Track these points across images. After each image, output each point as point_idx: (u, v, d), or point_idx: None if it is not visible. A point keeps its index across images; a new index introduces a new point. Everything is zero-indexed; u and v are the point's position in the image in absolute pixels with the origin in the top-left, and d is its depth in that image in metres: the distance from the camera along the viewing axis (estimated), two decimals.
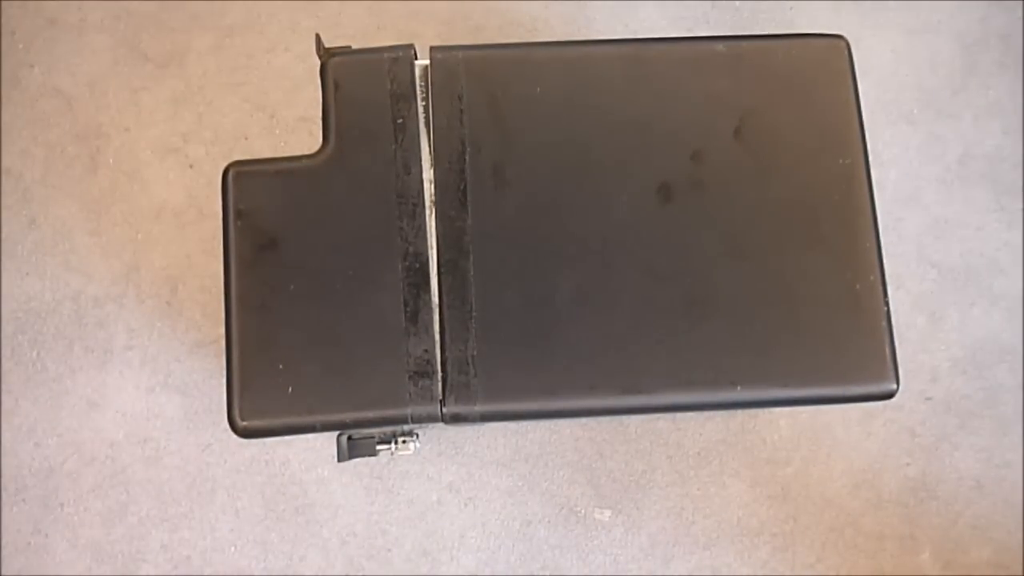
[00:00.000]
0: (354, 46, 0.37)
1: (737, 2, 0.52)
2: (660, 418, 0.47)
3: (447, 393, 0.33)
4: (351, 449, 0.38)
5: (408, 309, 0.33)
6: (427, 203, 0.34)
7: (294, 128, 0.49)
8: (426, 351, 0.33)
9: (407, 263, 0.34)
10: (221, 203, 0.34)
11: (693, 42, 0.38)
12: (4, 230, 0.48)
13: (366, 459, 0.44)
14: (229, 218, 0.34)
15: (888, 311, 0.34)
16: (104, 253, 0.48)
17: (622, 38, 0.38)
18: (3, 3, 0.51)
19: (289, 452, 0.46)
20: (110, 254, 0.48)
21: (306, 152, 0.35)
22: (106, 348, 0.47)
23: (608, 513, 0.46)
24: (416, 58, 0.36)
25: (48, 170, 0.49)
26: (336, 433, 0.39)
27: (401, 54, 0.35)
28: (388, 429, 0.38)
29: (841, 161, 0.35)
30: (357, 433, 0.38)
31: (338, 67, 0.35)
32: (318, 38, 0.36)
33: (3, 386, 0.47)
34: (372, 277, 0.34)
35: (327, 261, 0.34)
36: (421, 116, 0.35)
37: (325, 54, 0.36)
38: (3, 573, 0.45)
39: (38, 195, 0.49)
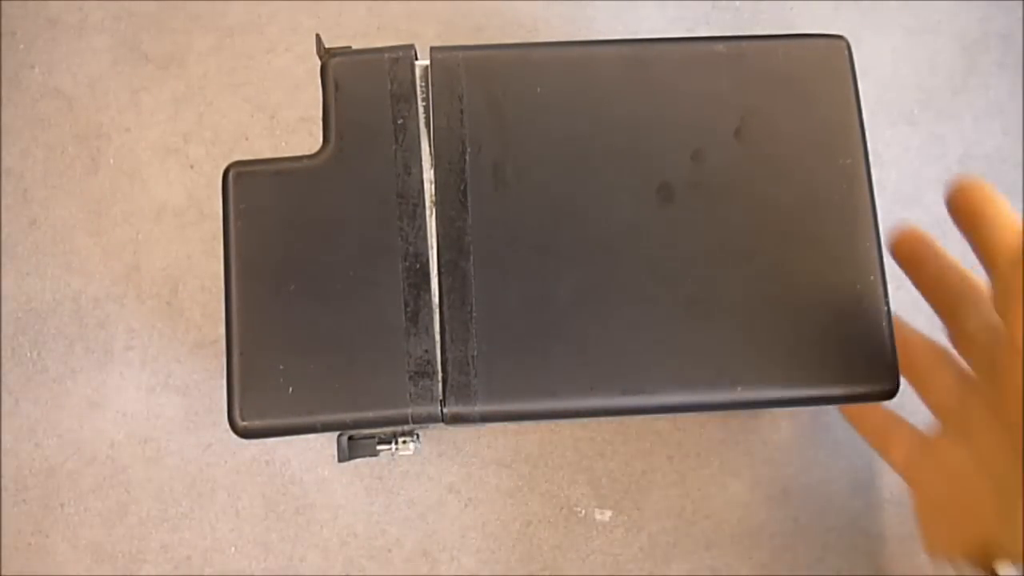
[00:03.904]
0: (354, 46, 0.36)
1: (737, 2, 0.52)
2: (660, 418, 0.47)
3: (447, 393, 0.33)
4: (351, 449, 0.38)
5: (408, 309, 0.33)
6: (427, 203, 0.34)
7: (294, 128, 0.49)
8: (426, 351, 0.33)
9: (407, 263, 0.34)
10: (221, 203, 0.34)
11: (693, 42, 0.38)
12: (4, 230, 0.48)
13: (367, 459, 0.44)
14: (229, 218, 0.34)
15: (889, 311, 0.34)
16: (104, 253, 0.48)
17: (622, 38, 0.38)
18: (3, 3, 0.51)
19: (290, 452, 0.46)
20: (110, 254, 0.48)
21: (306, 152, 0.35)
22: (106, 348, 0.47)
23: (608, 513, 0.46)
24: (416, 58, 0.36)
25: (48, 170, 0.49)
26: (336, 433, 0.39)
27: (401, 54, 0.35)
28: (389, 429, 0.37)
29: (841, 161, 0.35)
30: (358, 433, 0.38)
31: (338, 67, 0.35)
32: (318, 38, 0.35)
33: (3, 386, 0.47)
34: (372, 277, 0.33)
35: (327, 261, 0.34)
36: (421, 116, 0.35)
37: (325, 54, 0.35)
38: (3, 573, 0.45)
39: (38, 195, 0.49)
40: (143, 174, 0.49)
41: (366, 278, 0.33)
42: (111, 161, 0.49)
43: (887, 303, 0.34)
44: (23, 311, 0.47)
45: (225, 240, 0.34)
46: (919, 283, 0.37)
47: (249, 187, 0.34)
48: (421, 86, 0.35)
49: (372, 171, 0.34)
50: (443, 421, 0.32)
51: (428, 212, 0.34)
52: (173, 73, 0.50)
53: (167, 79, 0.50)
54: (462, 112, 0.35)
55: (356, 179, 0.34)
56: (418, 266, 0.33)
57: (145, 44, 0.50)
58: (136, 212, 0.48)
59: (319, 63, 0.36)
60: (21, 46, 0.50)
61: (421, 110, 0.35)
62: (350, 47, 0.36)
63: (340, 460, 0.37)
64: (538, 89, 0.35)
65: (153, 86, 0.50)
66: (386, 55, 0.35)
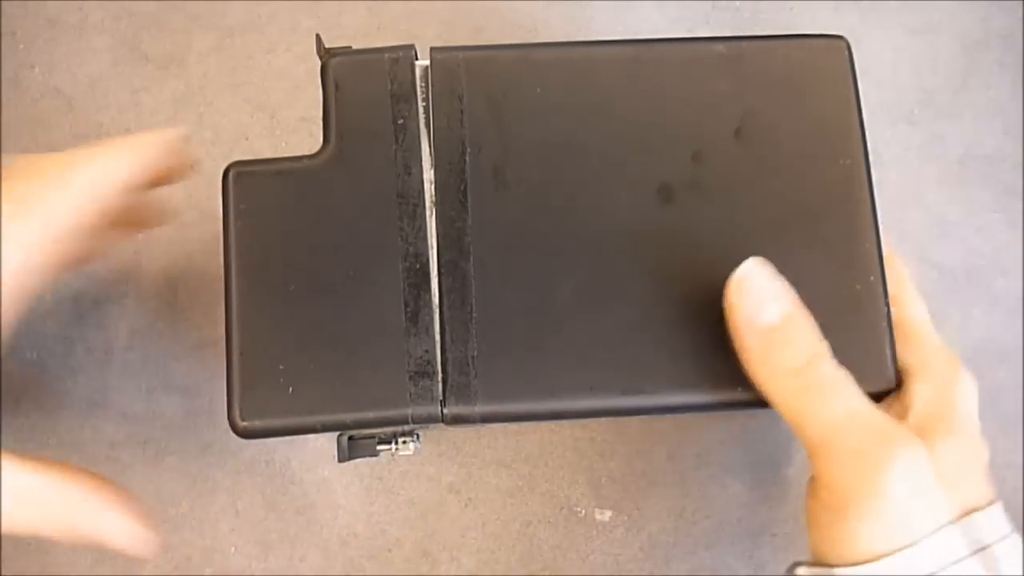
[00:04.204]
0: (354, 46, 0.36)
1: (737, 2, 0.52)
2: (660, 418, 0.47)
3: (447, 394, 0.33)
4: (352, 449, 0.37)
5: (409, 310, 0.33)
6: (427, 204, 0.34)
7: (294, 128, 0.49)
8: (427, 352, 0.33)
9: (407, 263, 0.34)
10: (222, 203, 0.34)
11: (694, 43, 0.38)
12: None
13: (367, 459, 0.44)
14: (230, 218, 0.34)
15: (888, 312, 0.34)
16: (104, 253, 0.48)
17: (622, 39, 0.38)
18: (3, 3, 0.51)
19: (290, 452, 0.46)
20: (110, 254, 0.48)
21: (307, 152, 0.35)
22: (106, 349, 0.47)
23: (608, 513, 0.46)
24: (417, 58, 0.36)
25: None
26: (336, 433, 0.39)
27: (402, 55, 0.35)
28: (389, 430, 0.37)
29: (842, 162, 0.35)
30: (358, 433, 0.38)
31: (339, 67, 0.35)
32: (319, 38, 0.35)
33: (3, 386, 0.47)
34: (373, 277, 0.33)
35: (328, 261, 0.34)
36: (421, 117, 0.35)
37: (326, 54, 0.35)
38: (3, 573, 0.45)
39: None
40: None
41: (366, 278, 0.33)
42: None
43: (887, 304, 0.34)
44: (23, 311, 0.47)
45: (225, 240, 0.34)
46: None
47: (249, 187, 0.34)
48: (421, 86, 0.35)
49: (372, 171, 0.34)
50: (443, 422, 0.32)
51: (428, 212, 0.34)
52: (173, 73, 0.50)
53: (167, 79, 0.50)
54: (462, 113, 0.35)
55: (356, 179, 0.34)
56: (418, 266, 0.33)
57: (145, 44, 0.50)
58: None
59: (319, 63, 0.36)
60: (21, 46, 0.50)
61: (421, 110, 0.35)
62: (350, 47, 0.36)
63: (340, 460, 0.37)
64: (538, 90, 0.35)
65: (153, 86, 0.50)
66: (386, 55, 0.35)
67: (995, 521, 0.30)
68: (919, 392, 0.34)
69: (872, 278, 0.34)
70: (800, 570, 0.32)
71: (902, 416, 0.34)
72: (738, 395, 0.33)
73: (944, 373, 0.35)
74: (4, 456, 0.28)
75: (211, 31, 0.51)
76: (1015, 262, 0.49)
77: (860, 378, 0.34)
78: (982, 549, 0.28)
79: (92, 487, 0.30)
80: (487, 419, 0.33)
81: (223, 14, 0.51)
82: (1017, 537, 0.31)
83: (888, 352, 0.34)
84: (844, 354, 0.33)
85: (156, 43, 0.50)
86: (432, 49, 0.36)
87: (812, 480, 0.33)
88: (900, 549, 0.28)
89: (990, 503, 0.31)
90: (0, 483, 0.27)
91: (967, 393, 0.35)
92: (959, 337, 0.48)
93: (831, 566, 0.30)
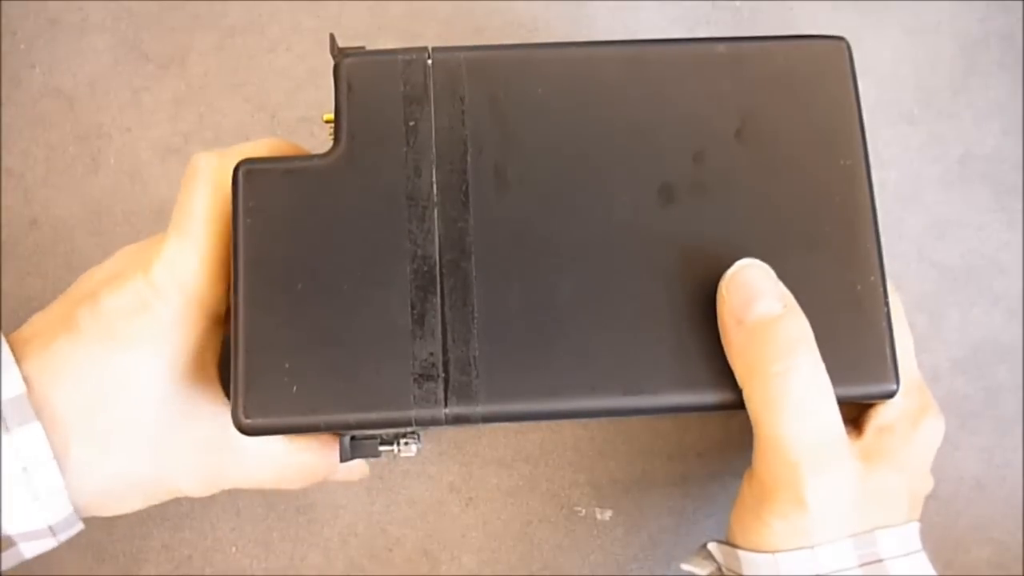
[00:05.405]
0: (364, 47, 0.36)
1: (737, 2, 0.52)
2: (660, 418, 0.47)
3: (449, 394, 0.33)
4: (354, 449, 0.37)
5: (415, 312, 0.33)
6: (435, 205, 0.34)
7: (295, 129, 0.49)
8: (431, 354, 0.33)
9: (415, 266, 0.33)
10: (231, 200, 0.34)
11: (694, 43, 0.38)
12: (4, 230, 0.48)
13: (368, 459, 0.44)
14: (239, 215, 0.34)
15: (888, 312, 0.34)
16: (105, 253, 0.47)
17: (623, 39, 0.38)
18: (3, 3, 0.51)
19: None
20: (111, 254, 0.48)
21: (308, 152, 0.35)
22: None
23: (609, 513, 0.46)
24: (430, 60, 0.36)
25: (49, 170, 0.49)
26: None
27: (415, 56, 0.35)
28: (391, 431, 0.38)
29: (842, 162, 0.35)
30: (360, 433, 0.38)
31: (352, 68, 0.35)
32: (332, 38, 0.35)
33: None
34: (380, 279, 0.33)
35: (336, 262, 0.33)
36: (433, 118, 0.35)
37: (339, 54, 0.35)
38: (3, 573, 0.45)
39: (39, 195, 0.49)
40: (144, 174, 0.49)
41: (374, 279, 0.33)
42: (112, 161, 0.49)
43: (887, 304, 0.34)
44: (23, 311, 0.47)
45: (234, 237, 0.34)
46: None
47: (259, 185, 0.34)
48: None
49: (383, 173, 0.34)
50: (444, 422, 0.33)
51: (436, 214, 0.34)
52: (174, 73, 0.50)
53: (168, 79, 0.50)
54: (463, 113, 0.35)
55: (366, 180, 0.34)
56: (426, 269, 0.33)
57: (146, 44, 0.50)
58: (137, 212, 0.48)
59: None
60: (22, 46, 0.50)
61: (433, 113, 0.35)
62: (363, 47, 0.36)
63: (342, 460, 0.37)
64: (539, 90, 0.35)
65: (154, 86, 0.50)
66: (399, 56, 0.35)
67: (900, 539, 0.32)
68: (882, 421, 0.36)
69: (872, 278, 0.34)
70: (710, 544, 0.35)
71: (859, 429, 0.36)
72: (738, 395, 0.33)
73: (912, 416, 0.36)
74: (274, 439, 0.35)
75: (211, 31, 0.51)
76: (1015, 262, 0.49)
77: (859, 378, 0.34)
78: (874, 562, 0.31)
79: (328, 447, 0.37)
80: (488, 419, 0.33)
81: (223, 14, 0.51)
82: (921, 556, 0.32)
83: (888, 352, 0.34)
84: (844, 354, 0.34)
85: (156, 43, 0.51)
86: (433, 49, 0.36)
87: (750, 467, 0.34)
88: (796, 549, 0.30)
89: (905, 523, 0.32)
90: (267, 457, 0.36)
91: (927, 441, 0.36)
92: (959, 337, 0.48)
93: (737, 546, 0.33)
